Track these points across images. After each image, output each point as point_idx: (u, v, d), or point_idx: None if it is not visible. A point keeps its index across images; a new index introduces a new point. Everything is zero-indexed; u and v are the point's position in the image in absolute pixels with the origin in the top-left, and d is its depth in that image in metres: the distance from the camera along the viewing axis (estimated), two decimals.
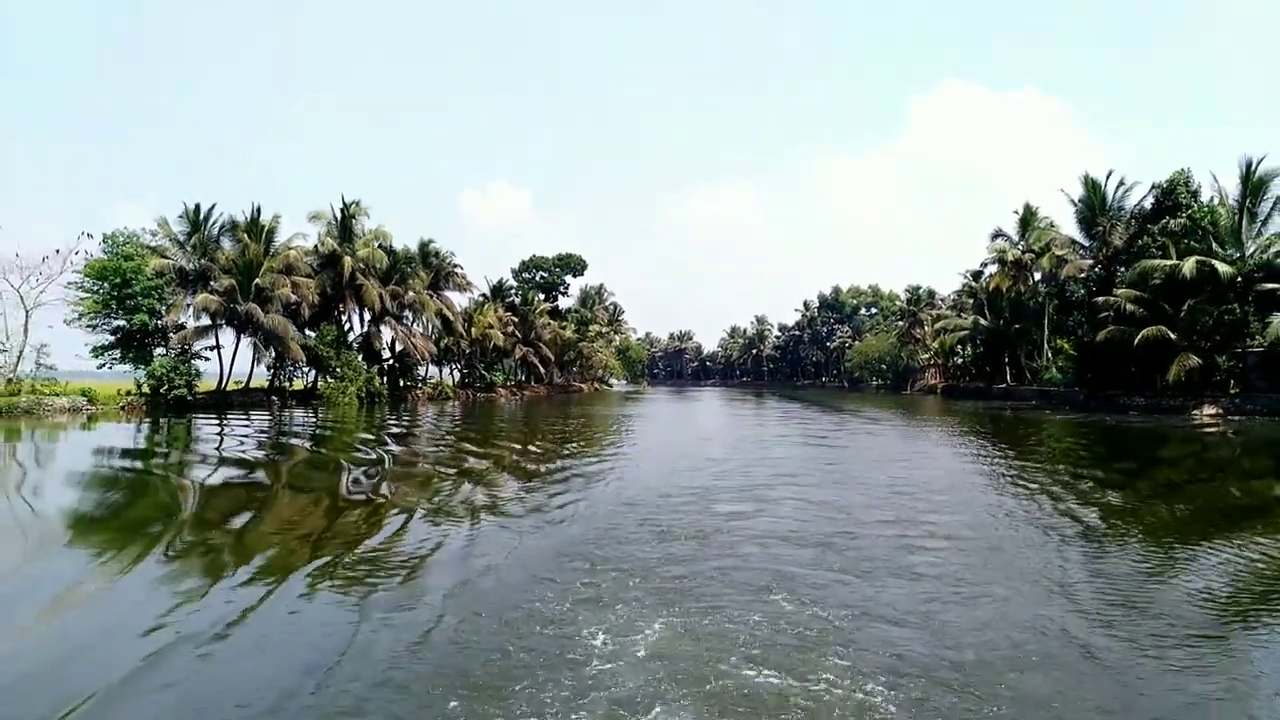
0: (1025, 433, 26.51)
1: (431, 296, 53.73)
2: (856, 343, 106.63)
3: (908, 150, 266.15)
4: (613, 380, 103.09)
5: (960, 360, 69.63)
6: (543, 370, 72.34)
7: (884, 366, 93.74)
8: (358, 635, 5.63)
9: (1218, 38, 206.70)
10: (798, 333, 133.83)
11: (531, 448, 20.78)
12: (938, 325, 70.63)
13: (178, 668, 5.10)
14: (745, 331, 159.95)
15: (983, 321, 59.15)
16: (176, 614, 6.13)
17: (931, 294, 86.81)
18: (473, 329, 59.30)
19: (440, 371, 60.79)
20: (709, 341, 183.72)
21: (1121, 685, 4.80)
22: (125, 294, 41.90)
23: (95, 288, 42.44)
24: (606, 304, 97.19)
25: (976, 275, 63.06)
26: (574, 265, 79.68)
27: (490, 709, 4.39)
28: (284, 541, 9.07)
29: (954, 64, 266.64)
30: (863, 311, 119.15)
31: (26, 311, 39.73)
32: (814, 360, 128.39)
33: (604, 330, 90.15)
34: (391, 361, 52.93)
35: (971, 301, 63.14)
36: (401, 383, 53.07)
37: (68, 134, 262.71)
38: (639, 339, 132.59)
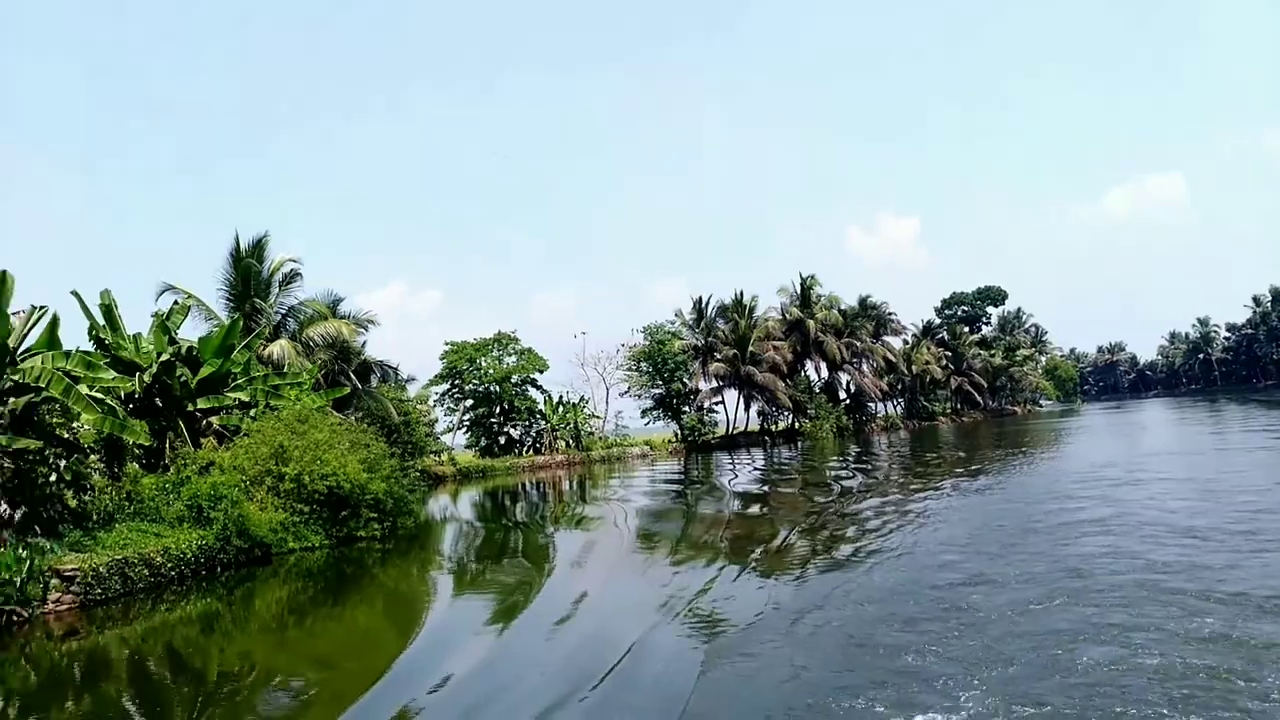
0: None
1: (875, 343, 62.49)
2: None
3: None
4: (1043, 400, 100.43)
5: None
6: (977, 397, 75.89)
7: None
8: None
9: None
10: (1250, 331, 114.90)
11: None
12: None
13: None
14: (1187, 336, 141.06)
15: None
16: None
17: None
18: (912, 366, 66.46)
19: (884, 406, 68.93)
20: (1145, 350, 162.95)
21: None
22: (664, 369, 58.45)
23: (638, 367, 59.97)
24: (1026, 326, 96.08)
25: None
26: (994, 296, 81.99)
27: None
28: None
29: None
30: None
31: (606, 389, 58.50)
32: (1274, 359, 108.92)
33: (1029, 352, 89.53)
34: (847, 401, 62.65)
35: None
36: (857, 418, 62.33)
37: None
38: (1064, 355, 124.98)
